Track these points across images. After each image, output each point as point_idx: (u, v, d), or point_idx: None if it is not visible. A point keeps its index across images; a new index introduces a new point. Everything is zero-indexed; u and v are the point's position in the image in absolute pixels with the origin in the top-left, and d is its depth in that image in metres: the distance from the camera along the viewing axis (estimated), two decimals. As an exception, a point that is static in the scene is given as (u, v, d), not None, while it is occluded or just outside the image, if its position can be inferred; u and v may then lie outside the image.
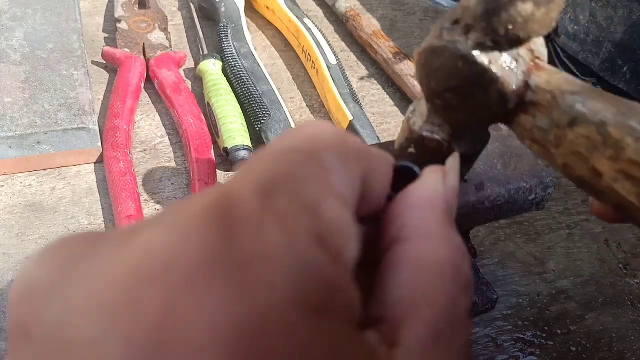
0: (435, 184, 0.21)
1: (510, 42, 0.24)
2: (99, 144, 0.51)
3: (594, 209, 0.28)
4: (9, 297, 0.16)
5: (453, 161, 0.24)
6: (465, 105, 0.26)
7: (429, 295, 0.17)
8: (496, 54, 0.24)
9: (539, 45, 0.26)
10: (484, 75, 0.24)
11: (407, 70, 0.60)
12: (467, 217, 0.34)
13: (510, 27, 0.23)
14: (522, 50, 0.25)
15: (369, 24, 0.66)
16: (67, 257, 0.15)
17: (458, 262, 0.18)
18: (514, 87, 0.25)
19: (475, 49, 0.24)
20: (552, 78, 0.25)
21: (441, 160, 0.28)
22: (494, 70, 0.24)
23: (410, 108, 0.29)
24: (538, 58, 0.26)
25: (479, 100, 0.25)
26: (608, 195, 0.24)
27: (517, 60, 0.25)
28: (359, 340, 0.15)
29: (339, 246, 0.15)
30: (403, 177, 0.21)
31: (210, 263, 0.13)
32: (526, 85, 0.25)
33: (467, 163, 0.30)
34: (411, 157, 0.29)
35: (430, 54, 0.25)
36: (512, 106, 0.25)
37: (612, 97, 0.24)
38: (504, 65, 0.24)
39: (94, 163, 0.51)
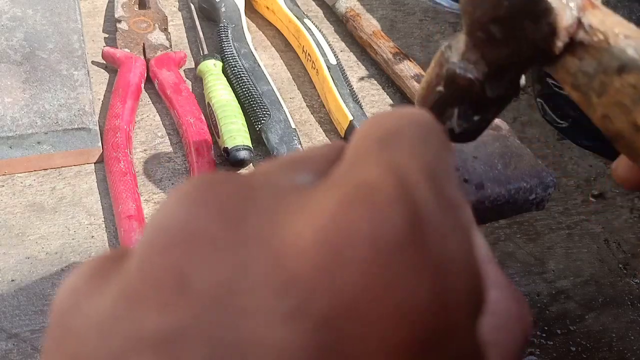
0: (484, 241, 0.21)
1: None
2: (99, 144, 0.51)
3: (619, 173, 0.27)
4: (143, 240, 0.13)
5: None
6: (510, 39, 0.24)
7: (501, 340, 0.18)
8: None
9: None
10: (538, 5, 0.23)
11: (407, 70, 0.60)
12: (467, 217, 0.34)
13: None
14: None
15: (369, 24, 0.66)
16: (229, 203, 0.14)
17: (524, 313, 0.19)
18: (567, 22, 0.23)
19: None
20: (607, 18, 0.23)
21: (469, 101, 0.26)
22: (549, 0, 0.23)
23: (445, 43, 0.27)
24: None
25: (527, 34, 0.23)
26: None
27: None
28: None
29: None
30: None
31: (407, 246, 0.13)
32: (579, 23, 0.23)
33: (494, 110, 0.28)
34: (438, 96, 0.27)
35: None
36: (561, 45, 0.24)
37: None
38: None
39: (94, 163, 0.51)
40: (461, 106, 0.26)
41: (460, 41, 0.26)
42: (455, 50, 0.26)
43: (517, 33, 0.23)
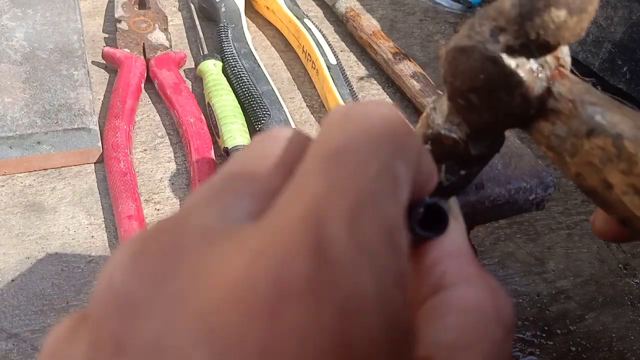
0: (462, 233, 0.22)
1: (539, 47, 0.24)
2: (99, 144, 0.51)
3: (597, 227, 0.28)
4: (93, 304, 0.15)
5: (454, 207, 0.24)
6: (487, 106, 0.26)
7: (475, 340, 0.18)
8: (523, 59, 0.25)
9: (564, 53, 0.26)
10: (510, 78, 0.25)
11: (407, 70, 0.60)
12: (467, 217, 0.33)
13: (542, 32, 0.24)
14: (549, 57, 0.25)
15: (369, 24, 0.66)
16: (157, 262, 0.15)
17: (500, 305, 0.19)
18: (538, 92, 0.25)
19: (504, 51, 0.24)
20: (574, 87, 0.25)
21: (456, 158, 0.29)
22: (520, 74, 0.24)
23: (430, 105, 0.29)
24: (562, 66, 0.26)
25: (502, 103, 0.25)
26: (616, 208, 0.24)
27: (542, 67, 0.25)
28: None
29: (408, 288, 0.15)
30: (430, 213, 0.21)
31: (308, 292, 0.13)
32: (549, 92, 0.25)
33: (479, 165, 0.30)
34: None
35: (458, 53, 0.25)
36: (533, 111, 0.26)
37: (631, 111, 0.24)
38: (530, 70, 0.25)
39: (94, 163, 0.51)
40: (448, 162, 0.29)
41: (443, 104, 0.28)
42: (440, 112, 0.28)
43: (493, 102, 0.26)
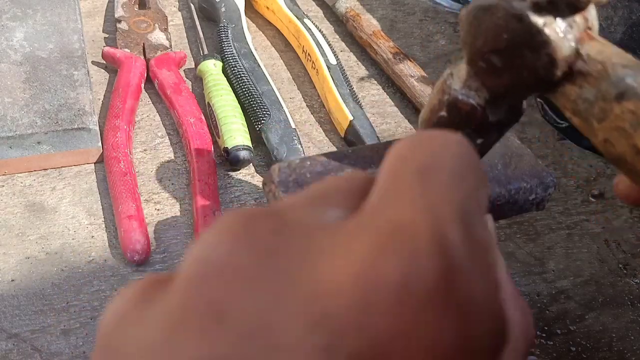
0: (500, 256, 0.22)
1: (568, 5, 0.23)
2: (99, 144, 0.51)
3: (620, 189, 0.27)
4: (187, 269, 0.14)
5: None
6: (510, 68, 0.25)
7: (507, 355, 0.18)
8: (551, 17, 0.23)
9: (593, 16, 0.25)
10: (537, 37, 0.23)
11: (407, 70, 0.60)
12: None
13: None
14: (578, 18, 0.24)
15: (369, 24, 0.66)
16: (264, 240, 0.14)
17: (529, 324, 0.19)
18: (566, 53, 0.24)
19: (530, 9, 0.23)
20: (604, 49, 0.24)
21: (472, 126, 0.27)
22: (547, 33, 0.23)
23: (447, 70, 0.28)
24: (590, 29, 0.25)
25: (527, 63, 0.24)
26: None
27: (571, 26, 0.24)
28: None
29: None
30: None
31: (437, 293, 0.13)
32: (577, 53, 0.24)
33: (497, 133, 0.29)
34: (441, 120, 0.28)
35: (481, 11, 0.24)
36: (560, 74, 0.24)
37: None
38: (558, 29, 0.24)
39: (94, 163, 0.51)
40: (464, 130, 0.27)
41: (461, 69, 0.27)
42: (457, 77, 0.27)
43: (516, 62, 0.24)
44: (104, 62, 0.59)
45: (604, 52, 0.24)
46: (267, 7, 0.67)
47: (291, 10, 0.64)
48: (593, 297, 0.47)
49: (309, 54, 0.61)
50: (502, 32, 0.24)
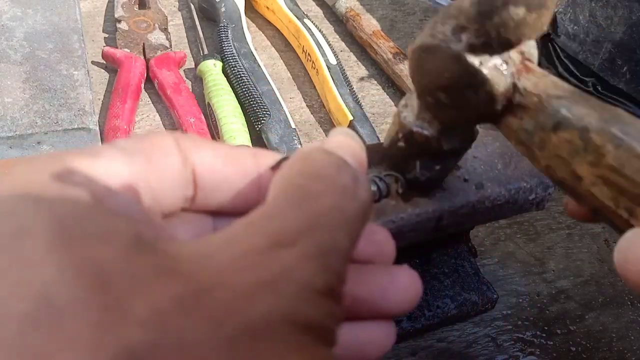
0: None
1: (501, 44, 0.24)
2: (99, 144, 0.51)
3: (569, 208, 0.29)
4: None
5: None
6: (454, 103, 0.26)
7: None
8: (487, 56, 0.25)
9: (529, 46, 0.26)
10: (475, 76, 0.25)
11: (407, 70, 0.60)
12: (467, 217, 0.34)
13: (502, 30, 0.24)
14: (513, 53, 0.25)
15: (369, 24, 0.66)
16: None
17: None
18: (503, 89, 0.25)
19: (467, 49, 0.24)
20: (540, 81, 0.25)
21: (429, 155, 0.29)
22: (484, 72, 0.25)
23: (402, 102, 0.30)
24: (528, 60, 0.26)
25: (469, 100, 0.26)
26: (586, 198, 0.24)
27: (507, 63, 0.25)
28: None
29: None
30: None
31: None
32: (514, 88, 0.25)
33: (453, 159, 0.31)
34: (401, 150, 0.30)
35: (423, 52, 0.26)
36: (500, 107, 0.26)
37: (597, 103, 0.24)
38: (494, 67, 0.25)
39: (94, 163, 0.51)
40: (422, 158, 0.30)
41: (414, 100, 0.29)
42: (410, 109, 0.29)
43: (460, 99, 0.26)
44: (104, 62, 0.59)
45: (540, 84, 0.25)
46: (267, 7, 0.67)
47: (291, 10, 0.64)
48: (593, 297, 0.47)
49: (309, 54, 0.61)
50: (443, 71, 0.25)
